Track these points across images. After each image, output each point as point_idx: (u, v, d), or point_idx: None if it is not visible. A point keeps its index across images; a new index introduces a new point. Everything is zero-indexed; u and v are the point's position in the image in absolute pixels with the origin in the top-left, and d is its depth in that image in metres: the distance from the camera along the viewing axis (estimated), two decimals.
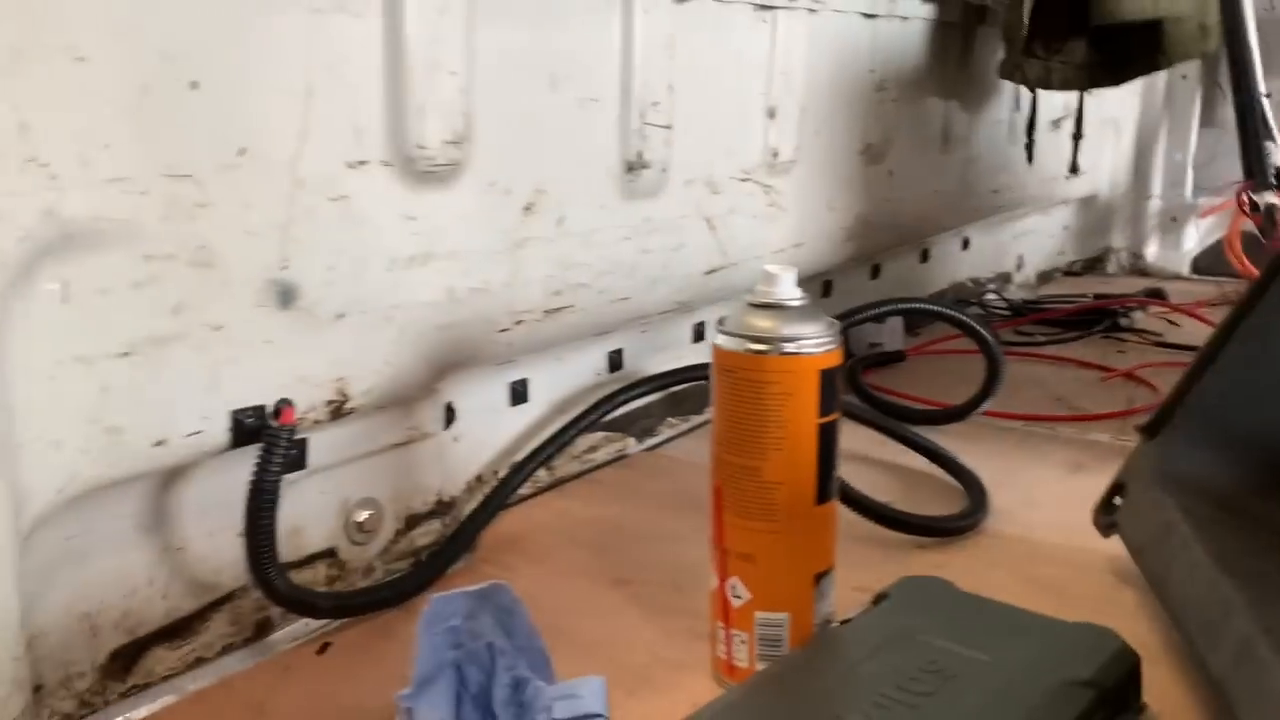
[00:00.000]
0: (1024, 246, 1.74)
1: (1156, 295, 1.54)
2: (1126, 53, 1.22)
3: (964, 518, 0.82)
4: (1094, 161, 1.69)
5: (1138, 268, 1.89)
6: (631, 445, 1.02)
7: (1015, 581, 0.74)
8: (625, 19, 0.79)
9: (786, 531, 0.58)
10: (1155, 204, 1.87)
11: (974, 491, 0.86)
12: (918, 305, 0.92)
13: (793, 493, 0.57)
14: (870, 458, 0.96)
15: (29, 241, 0.48)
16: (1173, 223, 1.86)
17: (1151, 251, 1.88)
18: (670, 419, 1.07)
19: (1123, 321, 1.43)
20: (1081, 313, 1.43)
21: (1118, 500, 0.75)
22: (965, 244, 1.59)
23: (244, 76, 0.56)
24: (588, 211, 0.80)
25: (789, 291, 0.58)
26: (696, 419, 1.11)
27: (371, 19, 0.61)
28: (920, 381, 1.19)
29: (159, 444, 0.55)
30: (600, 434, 0.99)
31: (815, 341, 0.57)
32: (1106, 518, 0.75)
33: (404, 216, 0.66)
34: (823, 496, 0.59)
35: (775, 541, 0.58)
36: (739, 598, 0.59)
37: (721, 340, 0.58)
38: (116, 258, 0.52)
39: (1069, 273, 1.87)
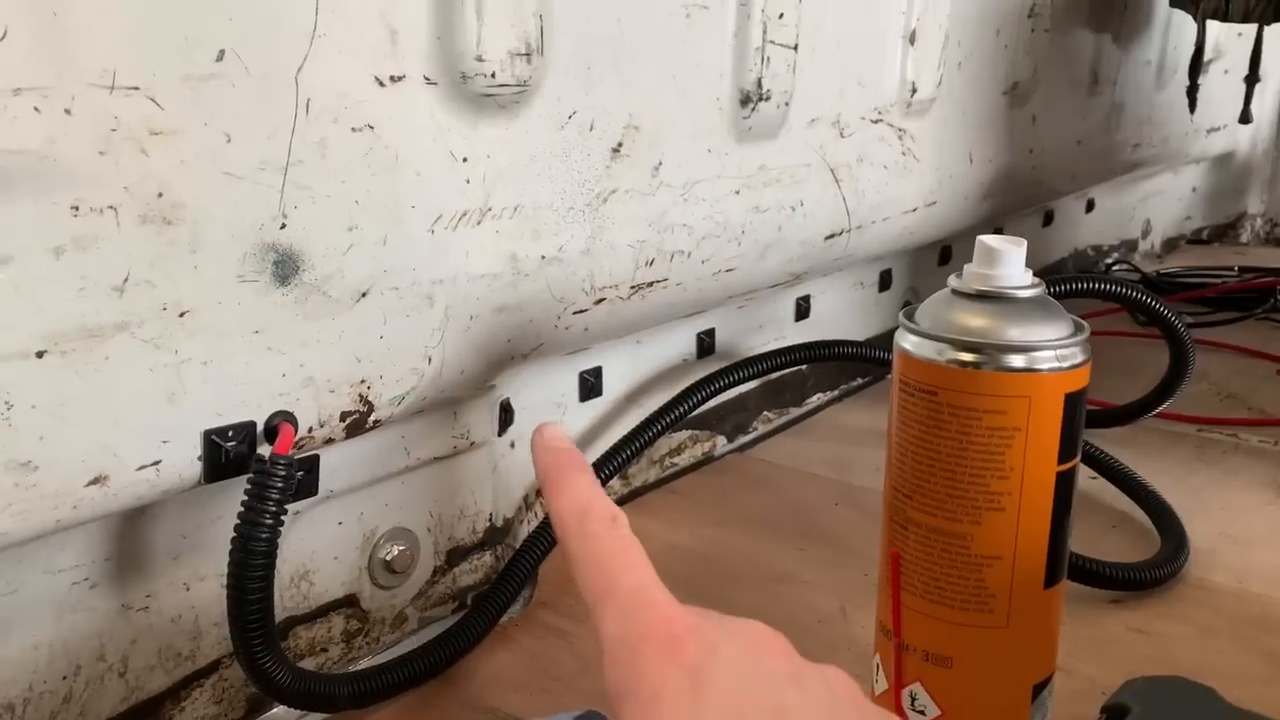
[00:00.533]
0: (1150, 210, 1.53)
1: None
2: None
3: (1168, 564, 0.63)
4: (1231, 113, 1.46)
5: (1275, 237, 1.66)
6: (721, 444, 0.84)
7: (1247, 656, 0.56)
8: None
9: (1004, 626, 0.40)
10: None
11: (1171, 527, 0.68)
12: (1091, 285, 0.73)
13: (1016, 571, 0.39)
14: None
15: None
16: None
17: None
18: (767, 412, 0.89)
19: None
20: (1235, 291, 1.22)
21: None
22: (1090, 206, 1.38)
23: None
24: (691, 155, 0.61)
25: (1018, 276, 0.39)
26: (796, 411, 0.92)
27: None
28: None
29: (95, 482, 0.38)
30: (685, 432, 0.81)
31: (1059, 351, 0.38)
32: None
33: (453, 156, 0.48)
34: (1053, 577, 0.40)
35: (986, 640, 0.40)
36: (921, 713, 0.41)
37: (911, 344, 0.40)
38: (26, 209, 0.34)
39: (1195, 240, 1.65)
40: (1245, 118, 1.14)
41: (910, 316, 0.41)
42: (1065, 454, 0.39)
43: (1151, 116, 1.25)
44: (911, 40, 0.77)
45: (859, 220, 0.77)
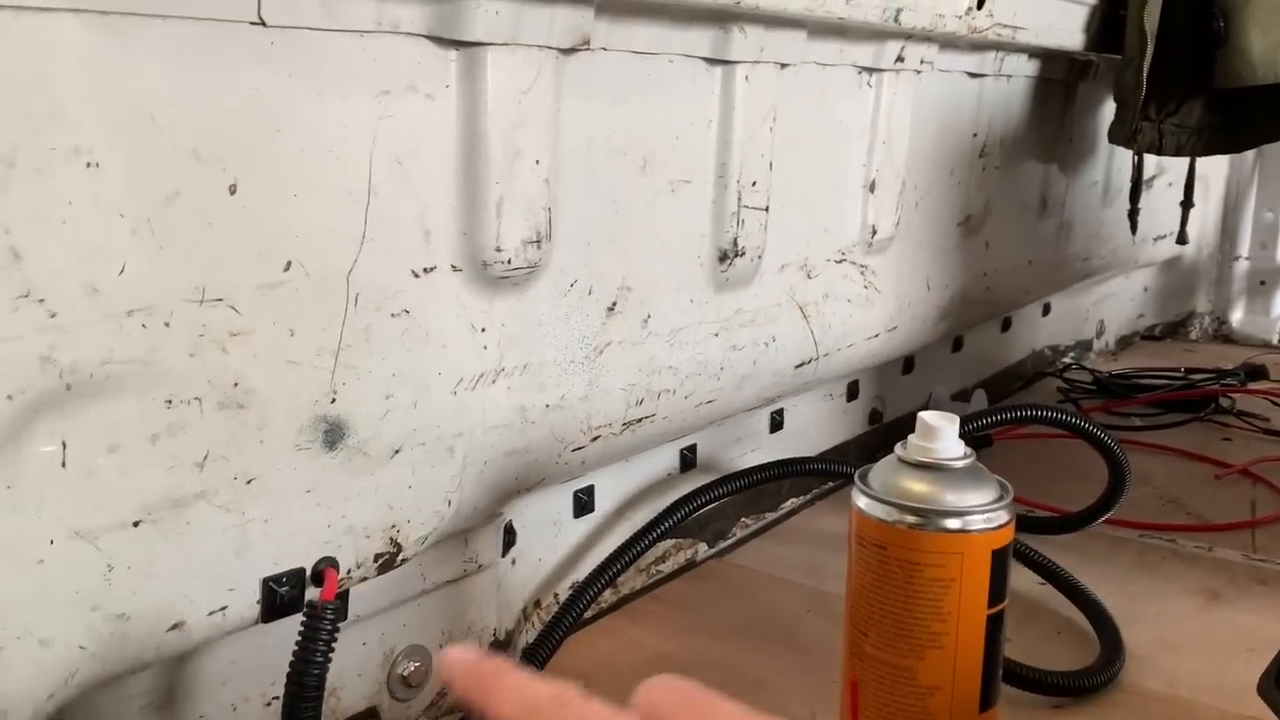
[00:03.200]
0: (1104, 311, 1.62)
1: (1257, 373, 1.42)
2: (1249, 117, 1.11)
3: (1103, 671, 0.70)
4: (1176, 222, 1.57)
5: (1222, 333, 1.76)
6: (702, 550, 0.91)
7: None
8: (725, 88, 0.68)
9: None
10: (1243, 265, 1.74)
11: (1109, 634, 0.75)
12: (1034, 413, 0.81)
13: (955, 699, 0.46)
14: None
15: (21, 397, 0.37)
16: (1261, 286, 1.74)
17: (1237, 317, 1.76)
18: (744, 518, 0.96)
19: (1223, 403, 1.31)
20: (1180, 397, 1.31)
21: None
22: (1046, 310, 1.47)
23: (294, 175, 0.45)
24: (676, 307, 0.69)
25: (952, 448, 0.47)
26: (771, 515, 1.00)
27: (446, 100, 0.51)
28: (1011, 473, 1.05)
29: (175, 628, 0.44)
30: (669, 541, 0.88)
31: (986, 515, 0.46)
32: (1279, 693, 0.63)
33: (473, 328, 0.55)
34: (987, 703, 0.47)
35: None
36: None
37: (864, 504, 0.48)
38: (130, 406, 0.41)
39: (1148, 337, 1.75)
40: (1182, 239, 1.24)
41: (864, 479, 0.49)
42: (994, 599, 0.46)
43: (1099, 232, 1.35)
44: (872, 189, 0.86)
45: (826, 349, 0.86)
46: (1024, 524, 0.94)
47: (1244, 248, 1.75)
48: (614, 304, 0.65)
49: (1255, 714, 0.64)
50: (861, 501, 0.47)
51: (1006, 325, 1.38)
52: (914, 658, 0.46)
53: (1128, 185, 1.21)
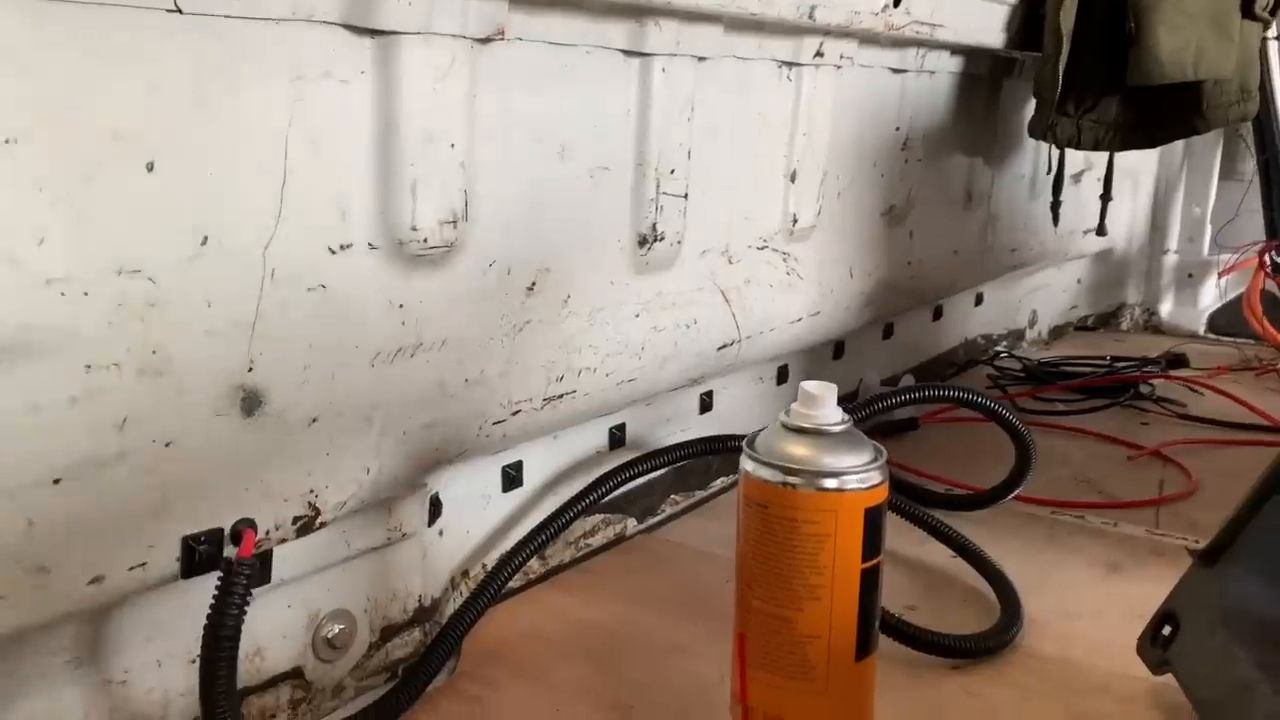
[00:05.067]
0: (1037, 301, 1.68)
1: (1178, 361, 1.48)
2: (1162, 113, 1.16)
3: (998, 636, 0.74)
4: (1110, 215, 1.63)
5: (1152, 324, 1.82)
6: (631, 526, 0.95)
7: (1058, 716, 0.67)
8: (643, 79, 0.71)
9: (823, 692, 0.50)
10: (1172, 259, 1.81)
11: (1009, 604, 0.79)
12: (939, 392, 0.85)
13: (831, 648, 0.50)
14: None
15: None
16: (1189, 279, 1.80)
17: (1166, 308, 1.82)
18: (674, 495, 1.00)
19: (1144, 389, 1.36)
20: (1102, 383, 1.36)
21: (1166, 630, 0.68)
22: (978, 300, 1.52)
23: (211, 154, 0.48)
24: (595, 289, 0.73)
25: (830, 415, 0.51)
26: (701, 493, 1.03)
27: (361, 86, 0.54)
28: (936, 454, 1.11)
29: (95, 581, 0.47)
30: (598, 516, 0.91)
31: (860, 476, 0.50)
32: (1156, 652, 0.67)
33: (391, 304, 0.58)
34: (863, 651, 0.51)
35: (811, 703, 0.51)
36: None
37: (750, 467, 0.51)
38: (50, 370, 0.44)
39: (1081, 327, 1.80)
40: (1101, 230, 1.29)
41: (751, 444, 0.52)
42: (868, 554, 0.50)
43: (1027, 224, 1.40)
44: (793, 179, 0.90)
45: (748, 332, 0.89)
46: (941, 501, 0.98)
47: (1173, 242, 1.81)
48: (533, 284, 0.68)
49: (1139, 674, 0.69)
50: (748, 465, 0.51)
51: (938, 314, 1.43)
52: (793, 609, 0.49)
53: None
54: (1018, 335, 1.65)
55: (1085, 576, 0.88)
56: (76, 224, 0.44)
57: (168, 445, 0.48)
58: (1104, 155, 1.28)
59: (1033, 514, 1.01)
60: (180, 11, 0.45)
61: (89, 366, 0.45)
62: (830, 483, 0.49)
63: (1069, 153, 1.23)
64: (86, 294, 0.44)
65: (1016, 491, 0.94)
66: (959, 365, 1.50)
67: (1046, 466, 1.10)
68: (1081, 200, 1.49)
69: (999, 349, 1.58)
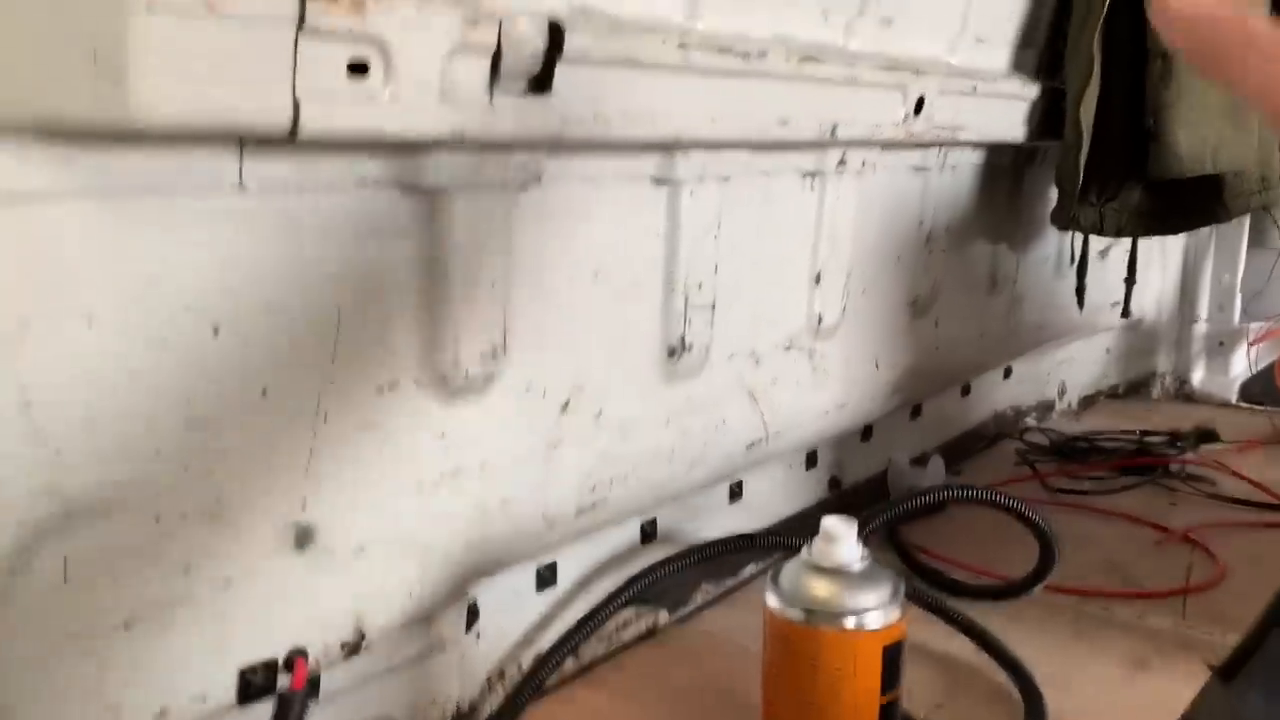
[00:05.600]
0: (1066, 372, 1.69)
1: (1208, 436, 1.48)
2: (1184, 202, 1.18)
3: None
4: (1139, 285, 1.64)
5: (1183, 393, 1.83)
6: (663, 618, 0.97)
7: None
8: (671, 203, 0.75)
9: None
10: (1201, 328, 1.81)
11: (1033, 706, 0.80)
12: (958, 492, 0.87)
13: None
14: (911, 640, 0.90)
15: (29, 524, 0.44)
16: (1220, 347, 1.80)
17: (1198, 377, 1.82)
18: (705, 585, 1.02)
19: (1173, 467, 1.37)
20: (1131, 463, 1.37)
21: None
22: (1007, 373, 1.53)
23: (271, 313, 0.52)
24: (627, 401, 0.76)
25: (850, 553, 0.53)
26: (731, 581, 1.05)
27: (410, 239, 0.58)
28: (963, 538, 1.13)
29: (160, 714, 0.50)
30: (630, 609, 0.93)
31: (879, 613, 0.52)
32: None
33: (434, 435, 0.62)
34: None
35: None
36: None
37: (774, 603, 0.54)
38: (123, 524, 0.48)
39: (1112, 396, 1.81)
40: (1125, 313, 1.31)
41: (775, 578, 0.55)
42: (886, 688, 0.52)
43: (1053, 302, 1.42)
44: (817, 281, 0.93)
45: (776, 429, 0.92)
46: (967, 591, 1.00)
47: (1203, 310, 1.81)
48: (567, 402, 0.71)
49: None
50: (772, 601, 0.54)
51: (967, 390, 1.44)
52: None
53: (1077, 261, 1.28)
54: (1047, 407, 1.66)
55: (1112, 674, 0.89)
56: (150, 388, 0.48)
57: (227, 585, 0.52)
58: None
59: (1059, 605, 1.02)
60: (245, 189, 0.49)
61: (158, 518, 0.49)
62: (850, 622, 0.51)
63: (1093, 236, 1.25)
64: (158, 451, 0.48)
65: (1041, 584, 0.96)
66: (988, 439, 1.52)
67: (1074, 550, 1.11)
68: (1108, 274, 1.50)
69: (1028, 421, 1.59)
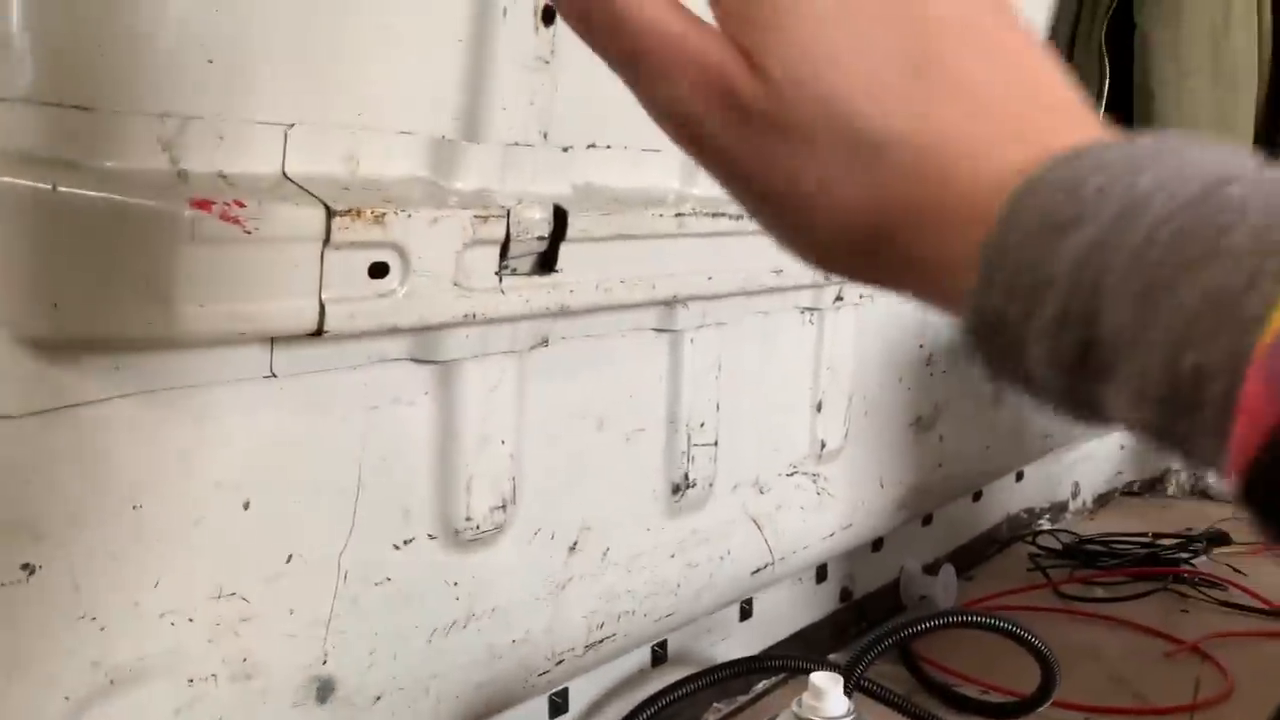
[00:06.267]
0: (1080, 471, 1.71)
1: (1220, 539, 1.50)
2: None
3: None
4: None
5: (1199, 489, 1.84)
6: None
7: None
8: (673, 350, 0.80)
9: None
10: None
11: None
12: (958, 618, 0.90)
13: None
14: None
15: (75, 696, 0.48)
16: None
17: (1213, 474, 1.83)
18: (716, 704, 1.04)
19: (1185, 573, 1.39)
20: (1143, 573, 1.39)
21: None
22: (1019, 476, 1.56)
23: (296, 485, 0.57)
24: (633, 537, 0.80)
25: (837, 707, 0.57)
26: (743, 698, 1.07)
27: (425, 405, 0.62)
28: (973, 650, 1.14)
29: None
30: None
31: None
32: None
33: (446, 584, 0.66)
34: None
35: None
36: None
37: None
38: (159, 688, 0.52)
39: (1127, 493, 1.82)
40: None
41: None
42: None
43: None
44: (819, 408, 0.97)
45: (781, 554, 0.95)
46: (973, 708, 1.02)
47: None
48: (575, 543, 0.75)
49: None
50: None
51: (978, 495, 1.47)
52: None
53: None
54: (1061, 507, 1.67)
55: None
56: (186, 563, 0.52)
57: None
58: None
59: None
60: (275, 376, 0.54)
61: (191, 680, 0.53)
62: None
63: None
64: (191, 620, 0.53)
65: (1047, 703, 0.97)
66: (1001, 542, 1.54)
67: (1082, 662, 1.12)
68: None
69: (1041, 523, 1.60)
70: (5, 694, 0.45)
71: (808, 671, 0.91)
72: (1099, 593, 1.35)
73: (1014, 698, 1.01)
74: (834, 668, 0.59)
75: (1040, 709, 0.97)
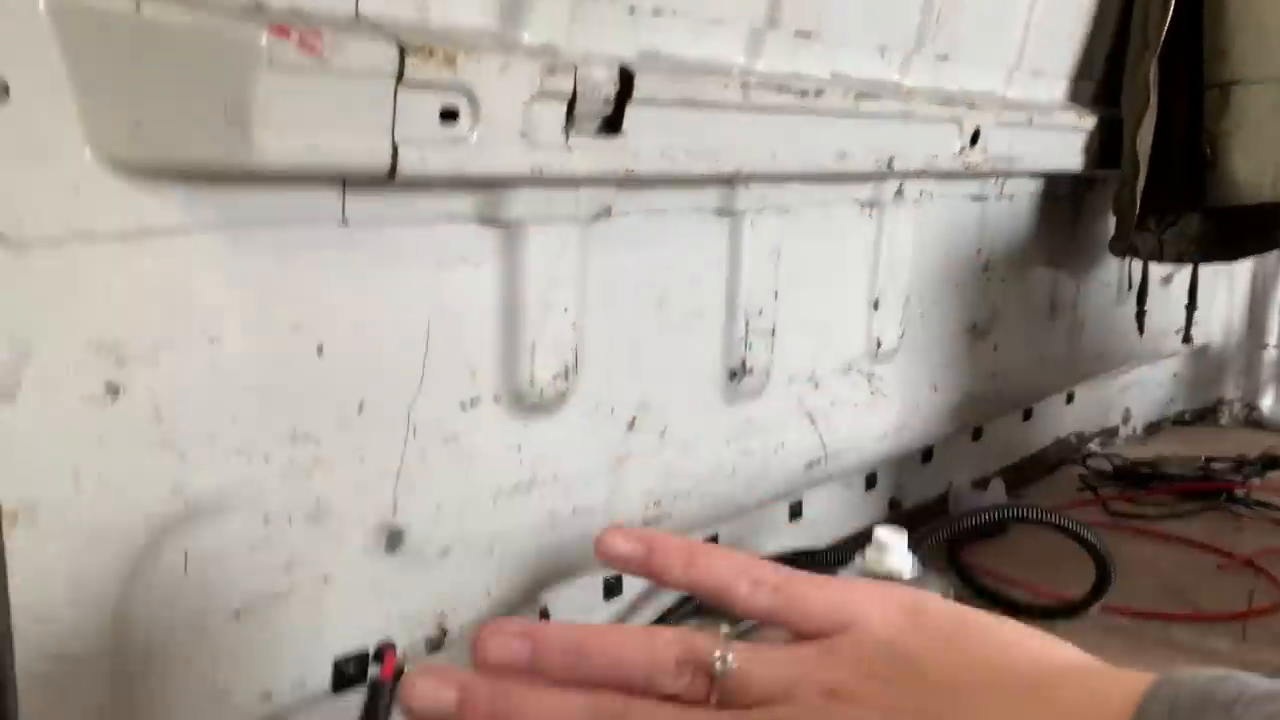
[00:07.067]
0: (1131, 398, 1.69)
1: (1275, 463, 1.47)
2: (1244, 229, 1.19)
3: None
4: (1206, 312, 1.64)
5: (1252, 419, 1.81)
6: (724, 629, 1.00)
7: None
8: (733, 234, 0.79)
9: None
10: (1271, 354, 1.79)
11: None
12: (1013, 511, 0.90)
13: None
14: None
15: (156, 520, 0.49)
16: None
17: (1267, 403, 1.80)
18: None
19: (1239, 493, 1.37)
20: (1195, 488, 1.37)
21: None
22: (1070, 398, 1.54)
23: (368, 334, 0.57)
24: (690, 420, 0.80)
25: (901, 561, 0.57)
26: None
27: (490, 268, 0.63)
28: (1024, 559, 1.14)
29: (264, 698, 0.55)
30: (692, 620, 0.97)
31: None
32: None
33: (510, 447, 0.67)
34: None
35: None
36: None
37: None
38: (236, 522, 0.53)
39: (1179, 422, 1.80)
40: (1187, 339, 1.32)
41: None
42: None
43: (1114, 328, 1.43)
44: (875, 306, 0.96)
45: (834, 450, 0.95)
46: (1023, 610, 1.02)
47: (1272, 336, 1.79)
48: (634, 420, 0.75)
49: None
50: None
51: (1029, 415, 1.46)
52: None
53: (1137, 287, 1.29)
54: (1111, 433, 1.66)
55: None
56: (262, 401, 0.53)
57: (325, 580, 0.57)
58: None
59: (1117, 626, 1.03)
60: (347, 224, 0.55)
61: (266, 518, 0.54)
62: None
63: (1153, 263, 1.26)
64: (267, 459, 0.54)
65: (1099, 604, 0.97)
66: (1050, 464, 1.52)
67: (1134, 574, 1.12)
68: (1172, 301, 1.51)
69: (1091, 447, 1.59)
70: (93, 507, 0.47)
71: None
72: (1149, 511, 1.34)
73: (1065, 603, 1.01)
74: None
75: (1092, 608, 0.97)
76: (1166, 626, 1.02)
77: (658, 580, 0.36)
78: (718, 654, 0.34)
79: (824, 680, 0.33)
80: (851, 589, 0.35)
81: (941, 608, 0.36)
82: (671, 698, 0.33)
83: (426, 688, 0.33)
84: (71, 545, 0.46)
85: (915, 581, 0.56)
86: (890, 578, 0.56)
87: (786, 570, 0.36)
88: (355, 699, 0.59)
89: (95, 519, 0.47)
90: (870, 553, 0.57)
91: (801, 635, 0.35)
